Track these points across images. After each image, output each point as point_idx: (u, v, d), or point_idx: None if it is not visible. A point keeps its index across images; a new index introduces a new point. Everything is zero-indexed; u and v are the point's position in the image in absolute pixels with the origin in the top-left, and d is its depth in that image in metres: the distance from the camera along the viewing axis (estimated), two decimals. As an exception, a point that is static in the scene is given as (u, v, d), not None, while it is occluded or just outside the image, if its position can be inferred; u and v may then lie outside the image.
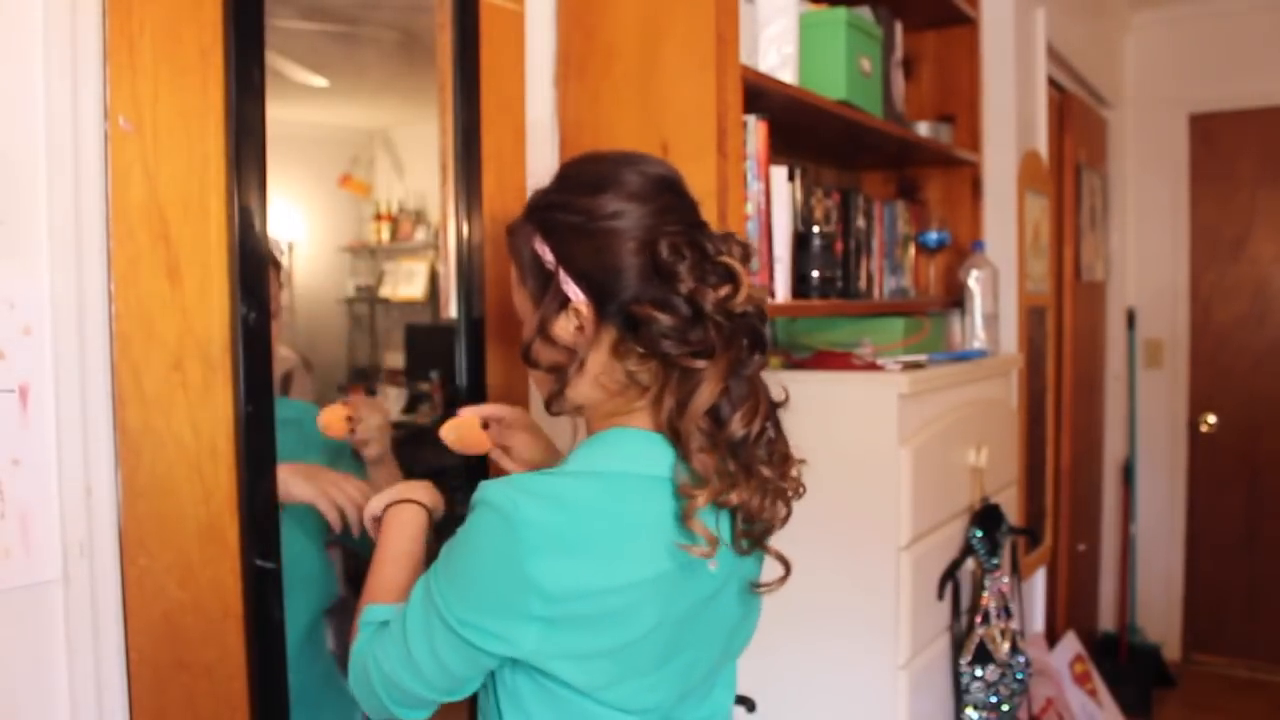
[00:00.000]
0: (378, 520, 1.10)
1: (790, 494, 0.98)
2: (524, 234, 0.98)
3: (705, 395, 0.89)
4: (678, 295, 0.89)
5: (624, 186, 0.93)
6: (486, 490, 0.88)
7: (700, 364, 0.89)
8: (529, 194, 1.01)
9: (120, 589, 1.04)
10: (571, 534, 0.86)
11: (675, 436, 0.90)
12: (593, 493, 0.89)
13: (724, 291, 0.90)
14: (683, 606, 0.92)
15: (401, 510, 1.07)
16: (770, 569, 1.02)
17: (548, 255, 0.95)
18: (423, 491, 1.09)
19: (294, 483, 1.21)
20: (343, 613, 1.47)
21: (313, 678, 1.41)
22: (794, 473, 0.98)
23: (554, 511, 0.86)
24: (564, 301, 0.94)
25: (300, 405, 1.48)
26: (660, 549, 0.89)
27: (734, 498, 0.90)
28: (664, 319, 0.89)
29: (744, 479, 0.91)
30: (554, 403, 0.97)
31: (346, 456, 1.46)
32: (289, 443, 1.38)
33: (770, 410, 0.95)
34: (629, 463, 0.92)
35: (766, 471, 0.93)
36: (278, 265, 1.42)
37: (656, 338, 0.89)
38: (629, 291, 0.91)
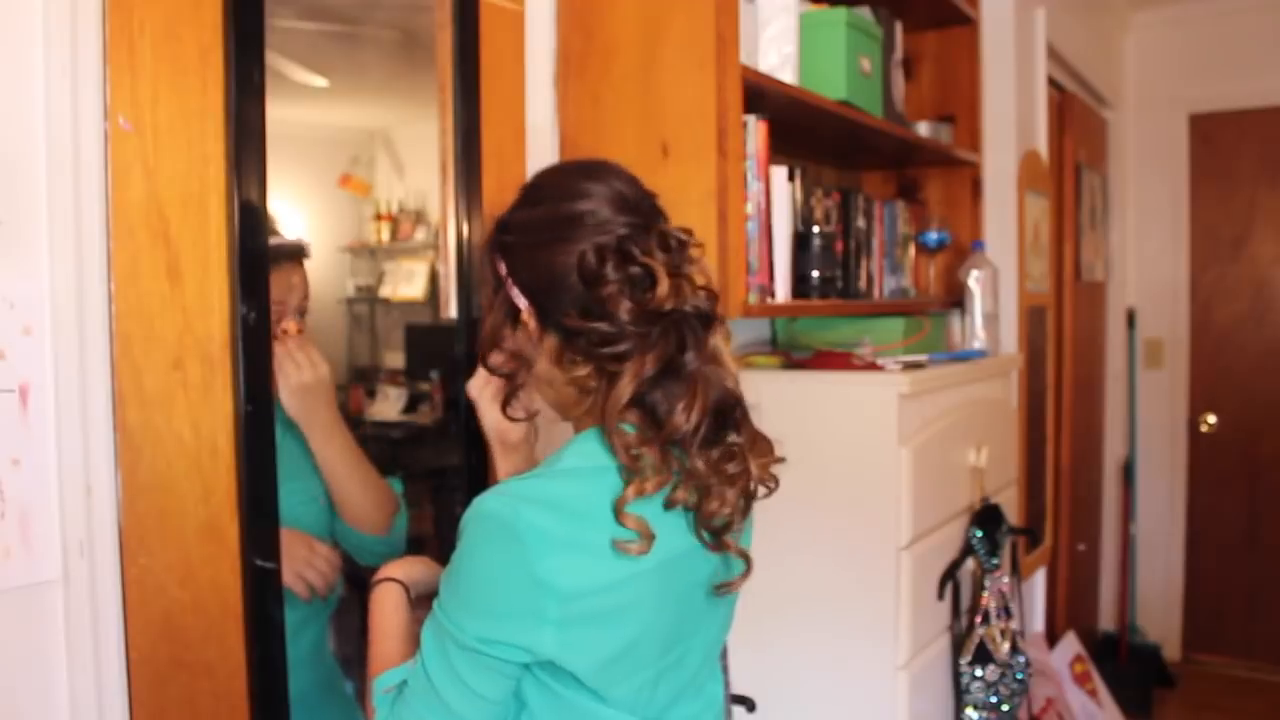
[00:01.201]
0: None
1: (755, 489, 0.98)
2: (487, 245, 1.03)
3: (620, 392, 0.91)
4: (599, 302, 0.92)
5: (568, 199, 0.96)
6: (481, 505, 0.89)
7: (621, 366, 0.92)
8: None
9: (120, 588, 1.04)
10: (573, 532, 0.87)
11: (608, 437, 0.92)
12: (584, 490, 0.91)
13: (646, 295, 0.92)
14: (676, 598, 0.94)
15: (379, 591, 1.06)
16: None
17: (501, 268, 1.00)
18: (397, 568, 1.08)
19: None
20: (345, 614, 1.47)
21: (314, 680, 1.41)
22: (763, 467, 0.98)
23: (553, 513, 0.87)
24: (514, 311, 0.99)
25: None
26: (658, 539, 0.90)
27: (680, 494, 0.91)
28: (589, 327, 0.92)
29: (690, 476, 0.92)
30: (507, 406, 1.06)
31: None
32: (292, 449, 1.38)
33: (717, 406, 0.94)
34: (610, 458, 0.93)
35: (713, 467, 0.93)
36: (301, 258, 1.42)
37: (587, 345, 0.93)
38: (563, 301, 0.94)
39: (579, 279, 0.93)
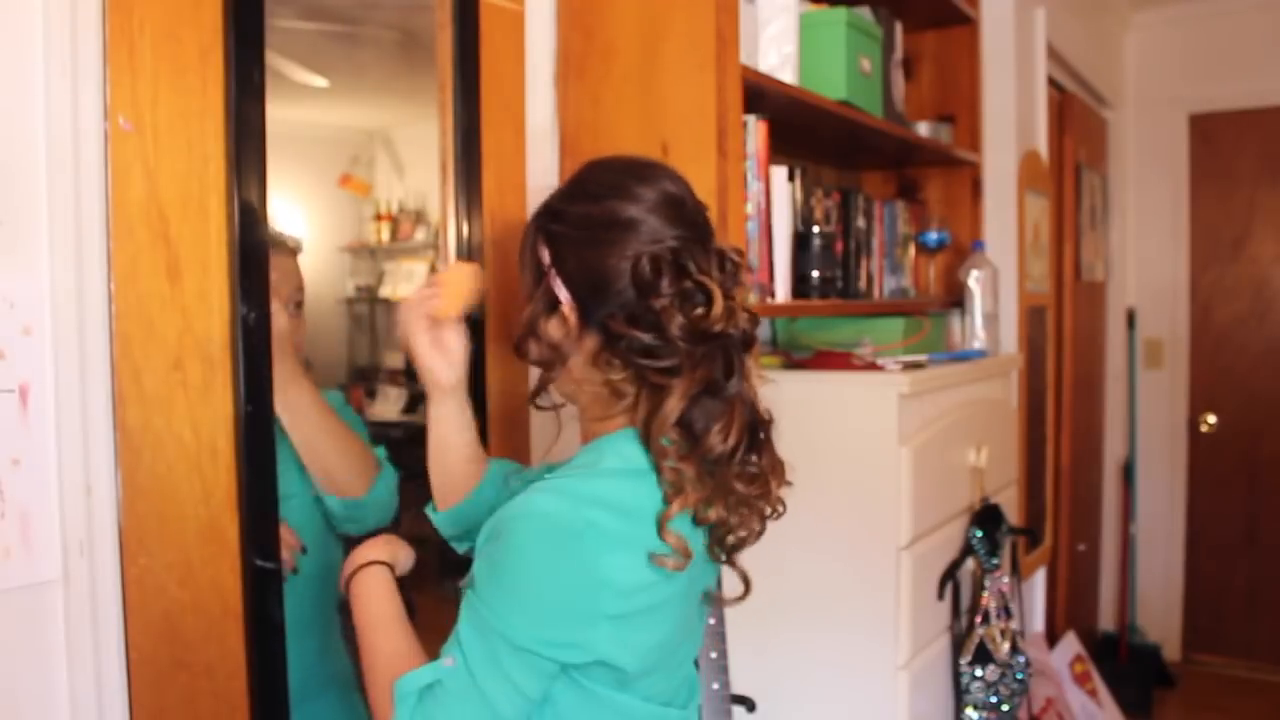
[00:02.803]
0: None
1: (769, 512, 1.00)
2: (530, 230, 1.01)
3: (669, 410, 0.91)
4: (651, 313, 0.92)
5: (624, 201, 0.95)
6: (531, 505, 0.88)
7: (667, 380, 0.91)
8: (548, 192, 1.03)
9: (120, 588, 1.04)
10: (627, 530, 0.88)
11: (647, 446, 0.92)
12: (632, 490, 0.91)
13: (697, 312, 0.92)
14: (691, 598, 0.97)
15: (364, 576, 1.03)
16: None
17: (545, 256, 0.98)
18: (379, 548, 1.06)
19: None
20: (342, 614, 1.46)
21: (323, 673, 1.41)
22: (777, 491, 0.99)
23: (609, 511, 0.88)
24: (554, 302, 0.97)
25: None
26: (688, 536, 0.92)
27: (712, 514, 0.92)
28: (635, 335, 0.92)
29: (721, 494, 0.93)
30: (537, 396, 1.02)
31: None
32: (284, 447, 1.37)
33: (750, 429, 0.95)
34: (649, 461, 0.93)
35: (741, 488, 0.94)
36: (285, 247, 1.41)
37: (628, 352, 0.92)
38: (610, 304, 0.93)
39: (631, 285, 0.92)
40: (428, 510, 1.23)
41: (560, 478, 0.92)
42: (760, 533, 0.99)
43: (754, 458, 0.96)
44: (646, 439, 0.92)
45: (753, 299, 1.63)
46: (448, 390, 1.12)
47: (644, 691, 0.94)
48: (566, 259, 0.96)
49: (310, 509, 1.39)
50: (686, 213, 0.97)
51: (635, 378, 0.94)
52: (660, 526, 0.89)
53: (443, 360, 1.10)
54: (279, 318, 1.26)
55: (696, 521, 0.92)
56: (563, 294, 0.96)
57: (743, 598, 1.02)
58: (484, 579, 0.89)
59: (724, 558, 0.97)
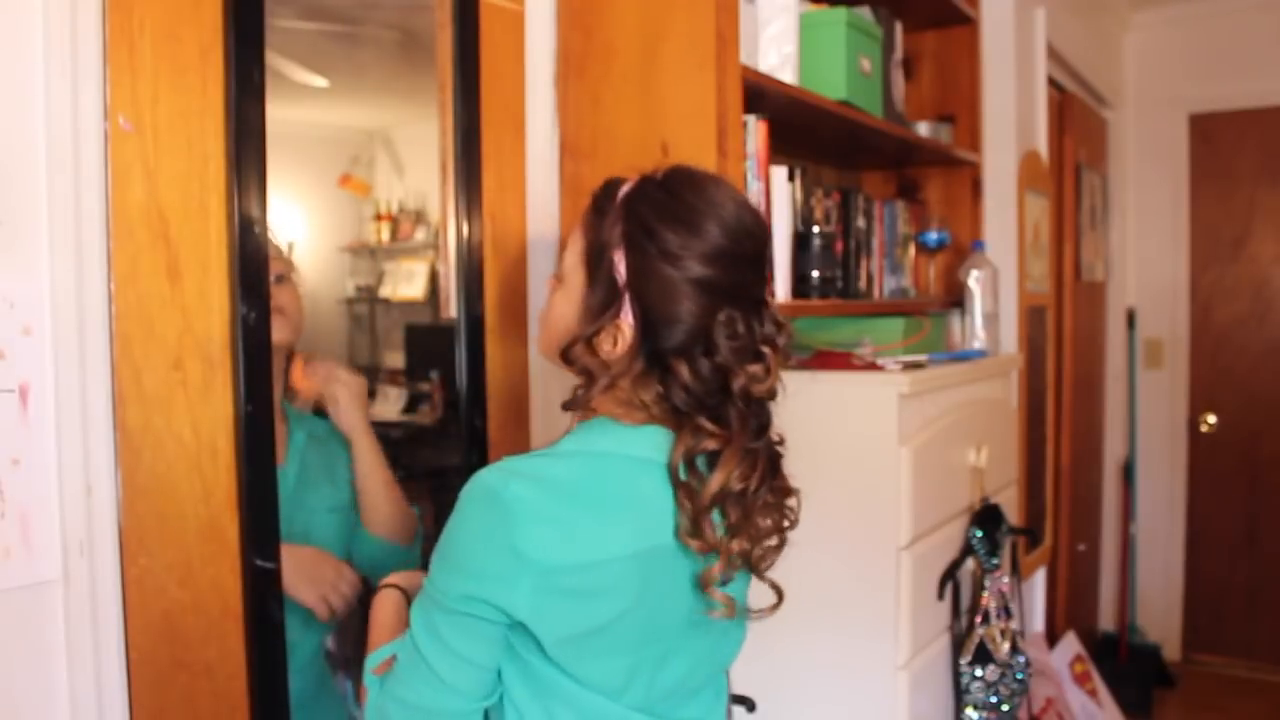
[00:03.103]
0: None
1: (787, 526, 1.02)
2: (610, 231, 0.95)
3: (721, 478, 0.92)
4: (711, 363, 0.92)
5: (726, 240, 0.93)
6: (476, 478, 0.91)
7: (711, 428, 0.93)
8: (640, 176, 0.98)
9: (120, 588, 1.04)
10: (558, 510, 0.89)
11: (673, 476, 0.93)
12: (578, 472, 0.92)
13: (755, 372, 0.93)
14: (656, 591, 0.94)
15: (378, 597, 1.08)
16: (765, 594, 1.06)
17: (621, 270, 0.93)
18: (397, 576, 1.10)
19: (299, 586, 1.29)
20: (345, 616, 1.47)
21: (309, 679, 1.41)
22: (792, 504, 1.02)
23: (541, 489, 0.89)
24: (614, 314, 0.94)
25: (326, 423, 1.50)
26: (643, 527, 0.92)
27: (735, 546, 0.94)
28: (691, 380, 0.92)
29: (743, 528, 0.95)
30: (574, 403, 0.98)
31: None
32: (316, 460, 1.39)
33: (768, 475, 0.97)
34: (617, 444, 0.95)
35: (763, 522, 0.97)
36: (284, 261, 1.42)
37: (677, 389, 0.93)
38: (674, 340, 0.92)
39: (702, 330, 0.92)
40: None
41: (517, 456, 0.94)
42: (780, 547, 1.02)
43: (770, 490, 0.98)
44: (674, 469, 0.93)
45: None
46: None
47: (588, 675, 0.92)
48: (643, 282, 0.92)
49: (329, 527, 1.43)
50: (763, 266, 0.97)
51: (669, 411, 0.94)
52: (705, 586, 0.92)
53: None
54: (361, 379, 1.46)
55: (729, 566, 0.94)
56: (628, 315, 0.93)
57: (775, 607, 1.03)
58: (433, 555, 0.93)
59: (739, 564, 0.98)
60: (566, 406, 0.99)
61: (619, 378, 0.94)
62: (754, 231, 0.96)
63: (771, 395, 0.97)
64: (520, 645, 0.92)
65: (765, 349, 0.95)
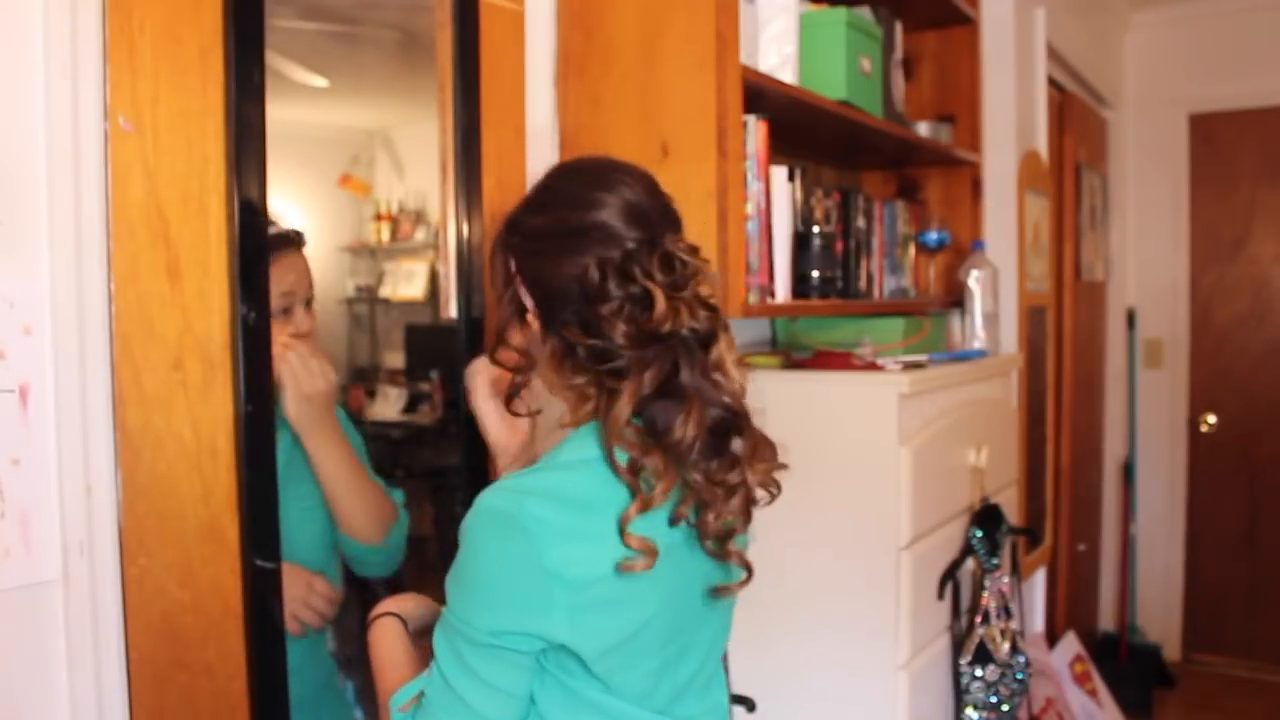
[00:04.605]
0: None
1: (760, 495, 0.99)
2: (498, 238, 1.04)
3: (619, 412, 0.92)
4: (598, 319, 0.93)
5: (580, 210, 0.96)
6: (482, 502, 0.90)
7: (617, 384, 0.93)
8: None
9: (120, 588, 1.04)
10: (575, 522, 0.88)
11: (606, 447, 0.92)
12: (584, 481, 0.92)
13: (641, 316, 0.93)
14: (676, 588, 0.94)
15: (374, 627, 1.07)
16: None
17: (510, 264, 1.01)
18: (392, 602, 1.09)
19: None
20: (342, 613, 1.47)
21: (313, 682, 1.41)
22: (768, 473, 0.99)
23: (554, 503, 0.88)
24: (522, 309, 1.00)
25: None
26: (652, 530, 0.91)
27: (682, 510, 0.93)
28: (585, 342, 0.93)
29: (687, 491, 0.93)
30: (510, 402, 1.06)
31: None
32: (300, 457, 1.38)
33: (711, 421, 0.94)
34: (598, 449, 0.94)
35: (700, 479, 0.93)
36: (301, 245, 1.40)
37: (585, 358, 0.94)
38: (565, 311, 0.95)
39: (580, 293, 0.94)
40: None
41: (512, 474, 0.94)
42: (745, 518, 0.98)
43: (730, 444, 0.96)
44: (605, 441, 0.92)
45: (753, 298, 1.63)
46: (517, 457, 1.18)
47: (623, 685, 0.92)
48: (527, 268, 0.99)
49: (313, 524, 1.41)
50: (641, 213, 0.96)
51: (595, 382, 0.95)
52: (621, 529, 0.89)
53: (508, 438, 1.18)
54: (329, 377, 1.33)
55: (673, 521, 0.92)
56: (527, 300, 0.99)
57: (744, 583, 1.00)
58: (448, 584, 0.92)
59: (717, 549, 0.95)
60: (507, 404, 1.07)
61: (537, 363, 1.01)
62: (610, 182, 0.98)
63: (670, 322, 0.93)
64: (555, 666, 0.92)
65: (646, 283, 0.93)
